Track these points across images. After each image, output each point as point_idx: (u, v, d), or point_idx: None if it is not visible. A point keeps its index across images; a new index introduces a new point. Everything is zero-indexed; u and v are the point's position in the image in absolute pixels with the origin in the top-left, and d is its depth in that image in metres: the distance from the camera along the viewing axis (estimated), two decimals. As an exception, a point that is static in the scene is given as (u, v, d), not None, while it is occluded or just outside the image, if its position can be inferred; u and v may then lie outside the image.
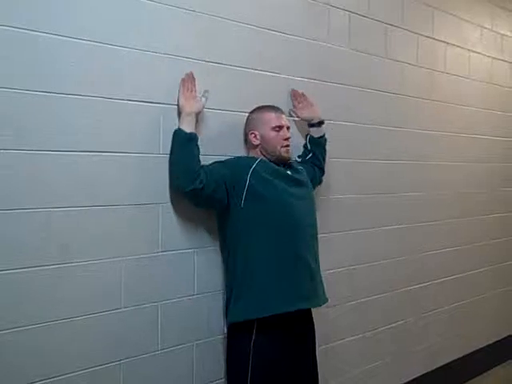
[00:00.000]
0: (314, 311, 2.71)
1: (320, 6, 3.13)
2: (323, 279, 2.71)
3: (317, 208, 2.75)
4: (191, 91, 2.47)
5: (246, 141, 2.70)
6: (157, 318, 2.45)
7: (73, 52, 2.17)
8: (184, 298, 2.53)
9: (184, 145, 2.41)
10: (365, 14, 3.39)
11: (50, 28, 2.11)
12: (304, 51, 3.03)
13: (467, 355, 4.27)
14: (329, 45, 3.18)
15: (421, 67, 3.81)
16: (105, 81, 2.27)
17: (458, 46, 4.14)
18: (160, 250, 2.45)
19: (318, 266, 2.65)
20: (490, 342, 4.54)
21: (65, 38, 2.14)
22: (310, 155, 2.97)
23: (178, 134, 2.41)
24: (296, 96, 2.97)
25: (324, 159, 3.02)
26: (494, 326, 4.59)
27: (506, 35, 4.66)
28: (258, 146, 2.63)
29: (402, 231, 3.68)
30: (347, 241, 3.31)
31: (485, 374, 4.41)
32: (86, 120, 2.21)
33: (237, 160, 2.59)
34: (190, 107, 2.44)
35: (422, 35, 3.81)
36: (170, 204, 2.47)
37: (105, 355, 2.29)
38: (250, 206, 2.47)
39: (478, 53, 4.34)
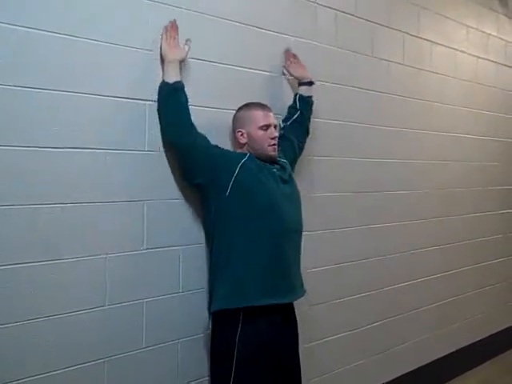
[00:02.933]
0: (298, 310, 2.71)
1: (307, 4, 3.13)
2: (303, 276, 2.71)
3: (302, 206, 2.73)
4: (174, 39, 2.48)
5: (233, 138, 2.69)
6: (141, 316, 2.44)
7: (55, 46, 2.15)
8: (169, 296, 2.53)
9: (171, 96, 2.43)
10: (351, 12, 3.40)
11: (30, 22, 2.09)
12: (290, 49, 3.02)
13: (453, 353, 4.30)
14: (315, 43, 3.18)
15: (407, 66, 3.82)
16: (88, 76, 2.25)
17: (444, 45, 4.17)
18: (145, 247, 2.44)
19: (299, 262, 2.66)
20: (476, 339, 4.57)
21: (45, 33, 2.13)
22: (298, 114, 2.95)
23: (163, 88, 2.44)
24: (289, 56, 3.01)
25: (310, 120, 3.02)
26: (480, 324, 4.62)
27: (492, 35, 4.69)
28: (245, 144, 2.63)
29: (387, 229, 3.70)
30: (332, 239, 3.31)
31: (471, 372, 4.43)
32: (70, 117, 2.20)
33: (228, 151, 2.61)
34: (173, 54, 2.46)
35: (408, 34, 3.83)
36: (154, 201, 2.46)
37: (89, 352, 2.28)
38: (235, 197, 2.47)
39: (464, 52, 4.37)
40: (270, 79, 2.95)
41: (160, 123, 2.46)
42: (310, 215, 2.84)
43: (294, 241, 2.63)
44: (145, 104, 2.42)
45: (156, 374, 2.49)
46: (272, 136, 2.61)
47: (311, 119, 3.04)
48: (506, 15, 4.85)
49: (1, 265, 2.04)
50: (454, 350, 4.31)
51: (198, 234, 2.63)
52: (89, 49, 2.25)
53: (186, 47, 2.51)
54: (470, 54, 4.43)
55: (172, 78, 2.43)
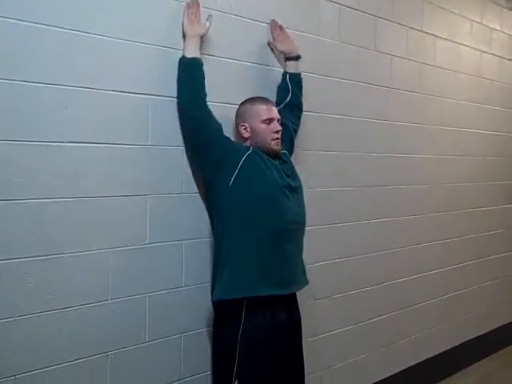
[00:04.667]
0: (302, 304, 2.72)
1: (310, -2, 3.13)
2: (306, 267, 2.71)
3: (304, 200, 2.74)
4: (195, 15, 2.54)
5: (236, 132, 2.69)
6: (144, 310, 2.44)
7: (59, 42, 2.15)
8: (172, 290, 2.53)
9: (188, 69, 2.50)
10: (354, 6, 3.38)
11: (36, 18, 2.08)
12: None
13: (455, 347, 4.31)
14: (318, 37, 3.17)
15: (410, 60, 3.81)
16: (92, 71, 2.25)
17: (448, 40, 4.15)
18: (148, 241, 2.44)
19: (301, 254, 2.67)
20: (478, 334, 4.58)
21: (52, 28, 2.12)
22: (290, 95, 2.89)
23: (182, 61, 2.50)
24: (275, 28, 2.93)
25: (302, 97, 2.96)
26: (481, 319, 4.62)
27: (496, 29, 4.67)
28: (248, 138, 2.62)
29: (390, 224, 3.70)
30: (334, 233, 3.31)
31: (473, 366, 4.44)
32: (74, 112, 2.19)
33: (234, 142, 2.63)
34: (194, 30, 2.52)
35: (411, 28, 3.82)
36: (157, 196, 2.46)
37: (92, 347, 2.29)
38: (239, 188, 2.47)
39: (467, 46, 4.36)
40: (273, 74, 2.93)
41: (177, 95, 2.51)
42: (312, 210, 2.84)
43: (295, 234, 2.62)
44: (148, 98, 2.42)
45: (159, 368, 2.50)
46: (275, 130, 2.61)
47: (303, 95, 2.96)
48: (509, 9, 4.83)
49: (4, 259, 2.04)
50: (456, 344, 4.32)
51: (200, 228, 2.63)
52: (96, 44, 2.25)
53: (208, 23, 2.57)
54: (473, 48, 4.42)
55: (191, 54, 2.49)
